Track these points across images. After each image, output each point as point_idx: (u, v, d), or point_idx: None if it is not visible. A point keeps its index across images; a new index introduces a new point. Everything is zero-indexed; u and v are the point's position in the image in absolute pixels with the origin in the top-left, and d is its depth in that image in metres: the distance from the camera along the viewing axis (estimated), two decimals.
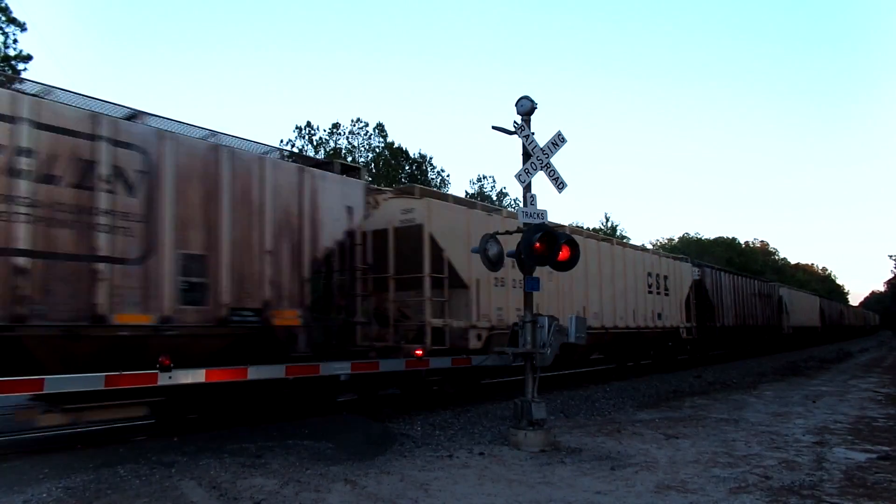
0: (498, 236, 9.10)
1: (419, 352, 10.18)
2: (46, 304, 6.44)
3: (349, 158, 39.36)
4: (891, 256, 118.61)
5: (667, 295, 19.37)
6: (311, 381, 9.11)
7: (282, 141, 39.72)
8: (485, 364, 10.90)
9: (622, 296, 16.62)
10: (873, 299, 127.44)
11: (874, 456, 7.76)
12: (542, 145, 8.87)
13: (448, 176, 45.05)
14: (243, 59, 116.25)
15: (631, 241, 30.18)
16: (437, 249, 10.93)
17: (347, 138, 41.86)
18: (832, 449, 8.20)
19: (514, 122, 8.90)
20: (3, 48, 24.14)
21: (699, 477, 6.66)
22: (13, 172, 6.27)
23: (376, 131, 42.54)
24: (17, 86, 7.14)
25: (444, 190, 38.92)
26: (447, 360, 10.83)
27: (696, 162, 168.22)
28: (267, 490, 5.83)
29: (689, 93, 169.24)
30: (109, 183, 6.93)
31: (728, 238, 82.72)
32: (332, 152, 39.65)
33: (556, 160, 8.91)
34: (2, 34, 24.20)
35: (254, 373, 8.06)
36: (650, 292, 18.33)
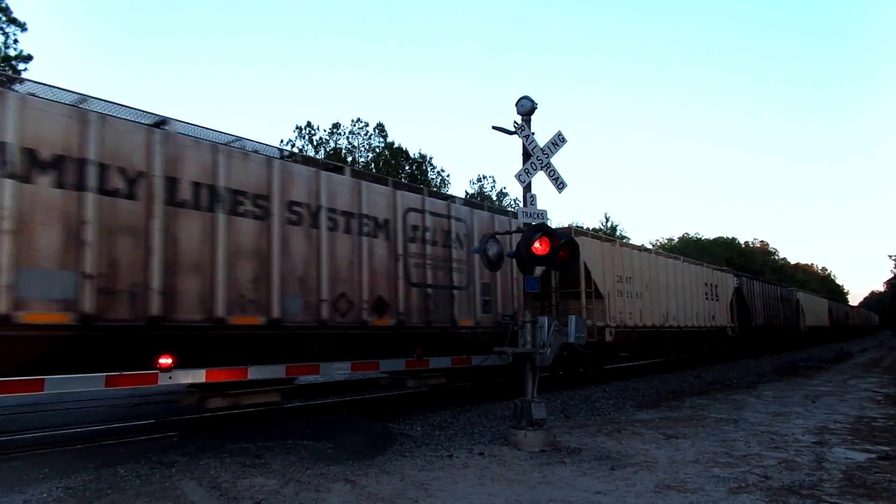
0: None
1: (419, 352, 10.59)
2: (436, 315, 10.91)
3: (349, 158, 39.35)
4: (891, 256, 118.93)
5: (717, 300, 23.70)
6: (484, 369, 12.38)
7: (282, 141, 39.75)
8: (485, 364, 11.00)
9: (690, 302, 21.16)
10: (873, 299, 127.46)
11: (874, 456, 7.76)
12: (542, 145, 8.88)
13: (448, 176, 45.22)
14: (244, 58, 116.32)
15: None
16: (587, 272, 15.45)
17: (347, 138, 41.89)
18: (832, 449, 8.20)
19: (515, 122, 8.90)
20: (3, 48, 24.12)
21: (699, 477, 6.66)
22: (425, 241, 10.87)
23: (376, 131, 42.56)
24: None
25: (443, 190, 39.23)
26: (447, 361, 11.13)
27: (696, 162, 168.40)
28: (267, 490, 5.83)
29: (689, 93, 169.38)
30: (455, 243, 11.49)
31: (728, 238, 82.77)
32: (331, 152, 39.64)
33: (556, 160, 8.96)
34: (2, 34, 24.19)
35: (254, 373, 8.25)
36: (707, 299, 22.76)
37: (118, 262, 7.08)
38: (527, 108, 8.89)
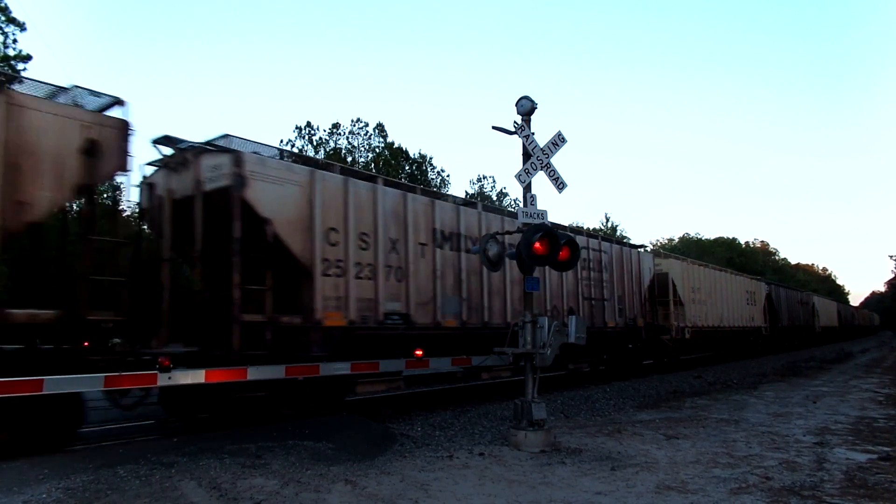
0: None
1: (419, 352, 10.65)
2: (598, 319, 16.26)
3: (349, 159, 39.32)
4: (891, 256, 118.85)
5: (754, 305, 29.28)
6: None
7: (282, 141, 39.62)
8: (484, 364, 11.01)
9: (736, 306, 26.64)
10: (874, 299, 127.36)
11: (875, 456, 7.75)
12: (542, 145, 8.86)
13: (448, 176, 44.94)
14: (244, 58, 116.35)
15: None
16: (673, 285, 21.21)
17: (347, 138, 41.78)
18: (833, 449, 8.19)
19: (515, 122, 8.89)
20: (2, 48, 24.09)
21: (700, 477, 6.65)
22: (591, 269, 16.05)
23: (376, 131, 42.44)
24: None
25: (443, 190, 39.25)
26: (447, 361, 11.17)
27: (696, 162, 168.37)
28: (267, 490, 5.81)
29: (689, 93, 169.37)
30: (602, 268, 16.54)
31: (728, 238, 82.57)
32: (331, 152, 39.60)
33: (556, 160, 8.94)
34: (1, 34, 24.15)
35: (253, 373, 8.27)
36: (747, 304, 28.20)
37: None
38: (527, 108, 8.88)
